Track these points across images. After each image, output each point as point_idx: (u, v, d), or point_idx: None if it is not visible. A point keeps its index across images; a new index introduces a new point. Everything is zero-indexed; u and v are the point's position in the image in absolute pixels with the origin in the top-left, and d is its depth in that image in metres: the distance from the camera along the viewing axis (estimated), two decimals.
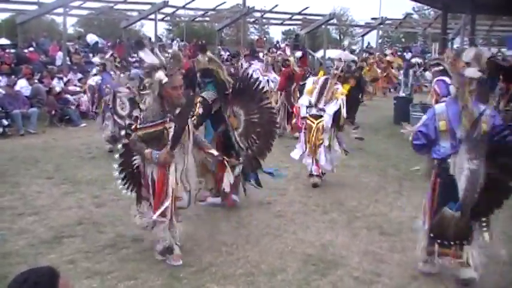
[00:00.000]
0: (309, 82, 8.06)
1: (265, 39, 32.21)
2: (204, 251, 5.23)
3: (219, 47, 24.93)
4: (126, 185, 5.21)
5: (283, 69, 11.96)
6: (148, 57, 4.82)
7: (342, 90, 7.63)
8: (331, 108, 7.44)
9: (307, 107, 7.68)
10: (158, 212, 4.76)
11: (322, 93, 7.60)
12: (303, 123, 7.74)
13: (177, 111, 4.75)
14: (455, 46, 22.43)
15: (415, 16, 41.54)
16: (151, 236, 5.09)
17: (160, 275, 4.68)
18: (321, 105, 7.54)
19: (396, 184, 7.83)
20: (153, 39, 22.92)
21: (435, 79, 7.80)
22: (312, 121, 7.53)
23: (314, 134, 7.46)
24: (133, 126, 4.75)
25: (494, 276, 4.68)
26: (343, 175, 8.27)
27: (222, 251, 5.24)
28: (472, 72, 4.43)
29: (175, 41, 29.18)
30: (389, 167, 9.06)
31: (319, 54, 27.96)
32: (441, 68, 7.95)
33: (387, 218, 6.44)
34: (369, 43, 31.94)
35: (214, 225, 5.99)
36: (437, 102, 7.02)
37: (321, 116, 7.49)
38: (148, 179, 4.83)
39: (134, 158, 5.01)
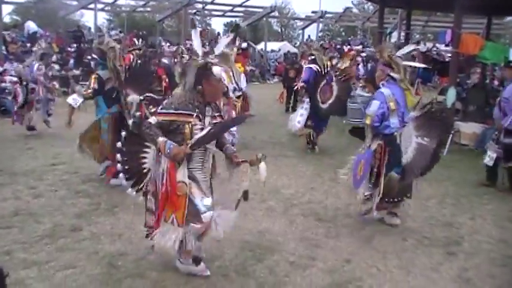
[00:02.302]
0: None
1: (207, 30, 32.15)
2: (142, 239, 5.22)
3: (160, 37, 24.71)
4: (135, 184, 4.53)
5: None
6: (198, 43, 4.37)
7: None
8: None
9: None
10: (172, 220, 4.24)
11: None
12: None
13: (215, 113, 4.35)
14: (392, 40, 23.07)
15: (355, 10, 42.37)
16: (92, 226, 5.09)
17: (99, 264, 4.72)
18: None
19: (332, 172, 8.07)
20: (92, 30, 22.46)
21: (305, 66, 9.93)
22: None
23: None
24: (152, 109, 4.40)
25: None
26: (280, 164, 8.48)
27: None
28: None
29: (114, 32, 28.66)
30: (325, 156, 9.36)
31: (260, 46, 28.19)
32: (313, 57, 9.66)
33: (323, 205, 6.68)
34: (309, 36, 32.38)
35: None
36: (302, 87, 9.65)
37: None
38: (159, 181, 4.29)
39: (143, 155, 4.49)
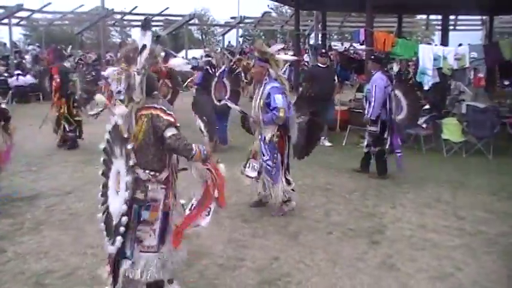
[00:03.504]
0: None
1: (127, 41, 31.61)
2: (69, 255, 5.18)
3: (79, 50, 24.15)
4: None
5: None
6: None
7: None
8: None
9: None
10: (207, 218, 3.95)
11: None
12: None
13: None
14: (311, 42, 23.62)
15: (274, 14, 43.00)
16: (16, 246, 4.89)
17: (26, 284, 4.59)
18: None
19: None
20: (8, 46, 21.64)
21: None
22: None
23: None
24: (172, 119, 3.69)
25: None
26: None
27: (87, 253, 5.21)
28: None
29: (32, 47, 27.76)
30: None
31: (181, 54, 28.03)
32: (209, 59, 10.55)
33: (249, 206, 6.74)
34: (229, 42, 32.58)
35: (78, 228, 5.92)
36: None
37: None
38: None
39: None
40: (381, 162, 8.25)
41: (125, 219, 3.54)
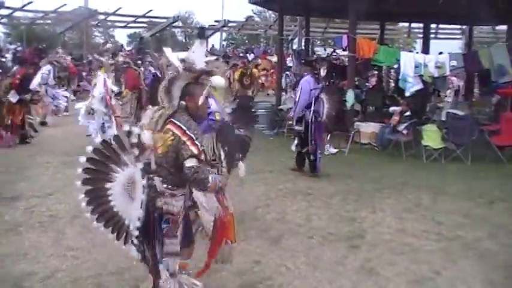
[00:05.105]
0: None
1: (110, 42, 31.50)
2: (48, 257, 5.15)
3: (60, 50, 23.93)
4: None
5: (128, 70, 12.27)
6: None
7: None
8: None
9: None
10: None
11: None
12: None
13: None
14: (294, 47, 23.71)
15: (257, 19, 43.09)
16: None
17: (4, 287, 4.54)
18: None
19: (237, 178, 8.18)
20: None
21: None
22: None
23: None
24: (194, 151, 3.53)
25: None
26: None
27: (67, 255, 5.20)
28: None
29: (13, 46, 27.43)
30: None
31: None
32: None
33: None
34: (213, 45, 32.58)
35: (58, 231, 5.90)
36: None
37: None
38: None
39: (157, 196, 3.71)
40: (311, 162, 8.62)
41: (139, 222, 3.45)
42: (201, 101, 3.73)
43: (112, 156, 3.39)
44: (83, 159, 3.32)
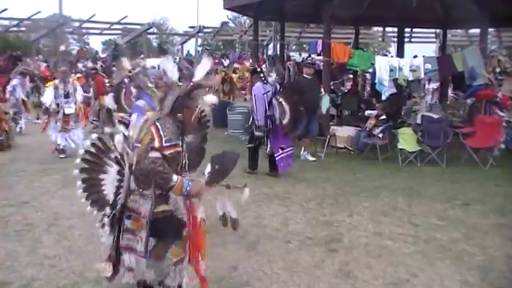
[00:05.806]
0: None
1: (85, 49, 31.28)
2: (25, 266, 5.06)
3: (41, 57, 23.67)
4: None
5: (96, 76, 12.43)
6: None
7: None
8: None
9: None
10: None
11: None
12: None
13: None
14: (269, 52, 23.78)
15: (232, 24, 43.13)
16: None
17: None
18: None
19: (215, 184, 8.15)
20: None
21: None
22: None
23: None
24: (156, 144, 3.60)
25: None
26: None
27: (44, 264, 5.11)
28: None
29: None
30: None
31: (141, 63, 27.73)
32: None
33: (207, 215, 6.67)
34: (188, 51, 32.50)
35: (35, 239, 5.80)
36: None
37: None
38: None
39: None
40: (270, 162, 8.97)
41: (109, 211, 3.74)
42: (193, 117, 3.96)
43: (106, 151, 3.65)
44: (81, 151, 3.62)
